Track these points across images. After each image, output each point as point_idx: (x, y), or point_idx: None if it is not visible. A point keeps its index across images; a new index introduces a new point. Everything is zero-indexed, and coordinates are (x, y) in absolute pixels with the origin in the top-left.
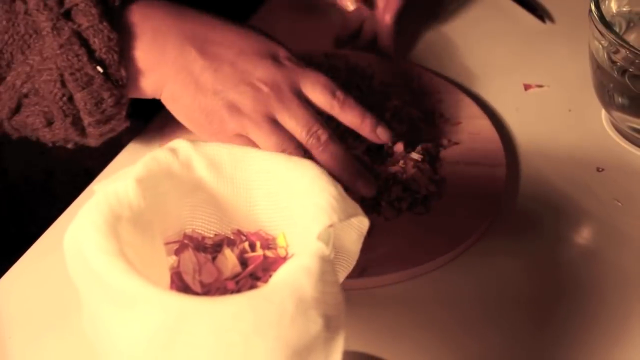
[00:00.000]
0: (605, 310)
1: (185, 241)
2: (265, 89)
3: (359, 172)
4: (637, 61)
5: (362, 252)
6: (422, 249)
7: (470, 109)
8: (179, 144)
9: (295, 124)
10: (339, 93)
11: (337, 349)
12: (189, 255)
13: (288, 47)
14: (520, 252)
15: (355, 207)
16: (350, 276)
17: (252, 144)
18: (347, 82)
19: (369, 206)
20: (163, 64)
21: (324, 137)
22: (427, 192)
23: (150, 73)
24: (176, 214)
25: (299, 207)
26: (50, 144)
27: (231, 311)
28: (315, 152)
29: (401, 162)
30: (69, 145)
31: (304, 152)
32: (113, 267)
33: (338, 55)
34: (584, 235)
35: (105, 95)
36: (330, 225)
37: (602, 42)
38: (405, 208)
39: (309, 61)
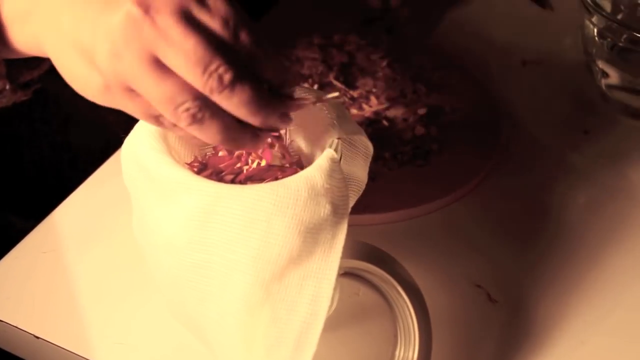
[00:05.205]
0: (585, 241)
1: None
2: (136, 10)
3: (274, 112)
4: (624, 35)
5: (366, 193)
6: (422, 192)
7: (469, 79)
8: None
9: (185, 62)
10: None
11: (342, 230)
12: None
13: None
14: (513, 195)
15: (357, 127)
16: (354, 211)
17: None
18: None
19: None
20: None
21: (227, 76)
22: (428, 149)
23: (24, 23)
24: None
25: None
26: None
27: (256, 194)
28: (218, 98)
29: (405, 119)
30: None
31: (204, 105)
32: (161, 161)
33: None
34: (567, 181)
35: None
36: (338, 138)
37: (593, 19)
38: (407, 160)
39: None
